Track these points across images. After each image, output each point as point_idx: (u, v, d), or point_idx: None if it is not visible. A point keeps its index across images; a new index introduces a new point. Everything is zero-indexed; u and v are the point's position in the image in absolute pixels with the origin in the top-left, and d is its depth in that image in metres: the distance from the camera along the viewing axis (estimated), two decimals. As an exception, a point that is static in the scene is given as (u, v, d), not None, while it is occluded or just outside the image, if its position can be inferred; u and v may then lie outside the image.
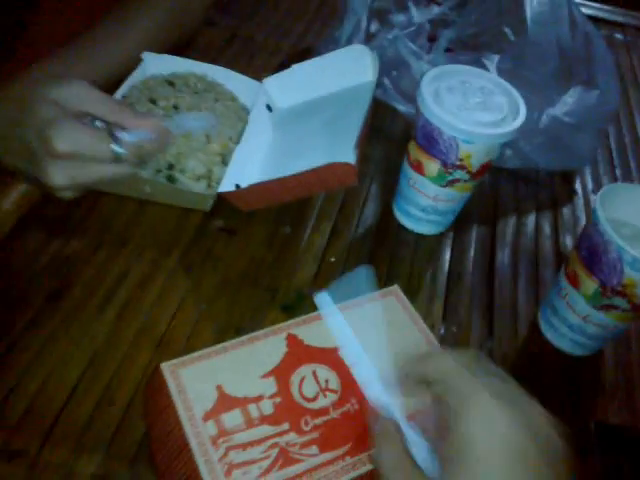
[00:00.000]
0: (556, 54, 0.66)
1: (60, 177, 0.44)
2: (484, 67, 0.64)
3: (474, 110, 0.52)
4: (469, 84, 0.54)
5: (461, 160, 0.52)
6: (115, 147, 0.44)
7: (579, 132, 0.68)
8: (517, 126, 0.51)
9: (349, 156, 0.50)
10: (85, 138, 0.43)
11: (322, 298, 0.41)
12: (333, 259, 0.56)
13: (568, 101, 0.66)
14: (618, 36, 1.02)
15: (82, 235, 0.53)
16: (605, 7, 1.07)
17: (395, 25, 0.78)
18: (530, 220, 0.65)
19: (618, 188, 0.50)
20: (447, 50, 0.73)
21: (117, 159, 0.44)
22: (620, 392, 0.52)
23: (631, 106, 0.87)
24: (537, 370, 0.52)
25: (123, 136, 0.44)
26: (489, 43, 0.73)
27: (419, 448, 0.33)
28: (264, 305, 0.51)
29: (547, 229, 0.65)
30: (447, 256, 0.59)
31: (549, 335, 0.53)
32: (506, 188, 0.69)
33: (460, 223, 0.62)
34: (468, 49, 0.73)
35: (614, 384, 0.52)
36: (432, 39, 0.78)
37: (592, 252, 0.47)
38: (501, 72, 0.64)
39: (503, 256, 0.61)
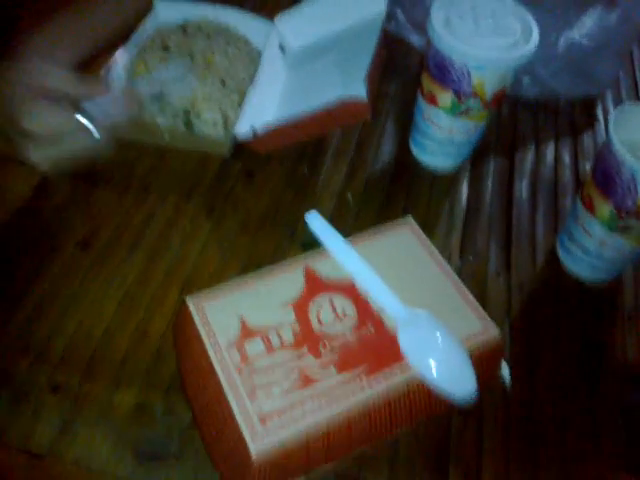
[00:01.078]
0: (574, -27, 0.64)
1: (37, 154, 0.45)
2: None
3: (485, 36, 0.51)
4: (480, 9, 0.53)
5: (474, 88, 0.52)
6: (80, 117, 0.44)
7: (599, 56, 0.66)
8: (530, 49, 0.50)
9: (361, 90, 0.50)
10: (50, 114, 0.43)
11: (312, 218, 0.44)
12: (350, 196, 0.57)
13: (587, 23, 0.64)
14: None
15: (107, 184, 0.55)
16: None
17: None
18: (549, 149, 0.65)
19: (634, 108, 0.49)
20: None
21: (85, 129, 0.44)
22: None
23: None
24: (555, 298, 0.52)
25: (87, 106, 0.44)
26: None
27: None
28: (284, 243, 0.53)
29: (567, 158, 0.64)
30: (464, 189, 0.59)
31: (567, 262, 0.54)
32: (525, 118, 0.68)
33: (478, 156, 0.62)
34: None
35: (633, 311, 0.53)
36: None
37: (606, 175, 0.47)
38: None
39: (521, 187, 0.60)
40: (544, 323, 0.50)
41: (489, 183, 0.60)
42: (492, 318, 0.49)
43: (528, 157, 0.64)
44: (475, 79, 0.51)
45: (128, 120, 0.47)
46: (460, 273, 0.52)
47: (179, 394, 0.43)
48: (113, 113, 0.45)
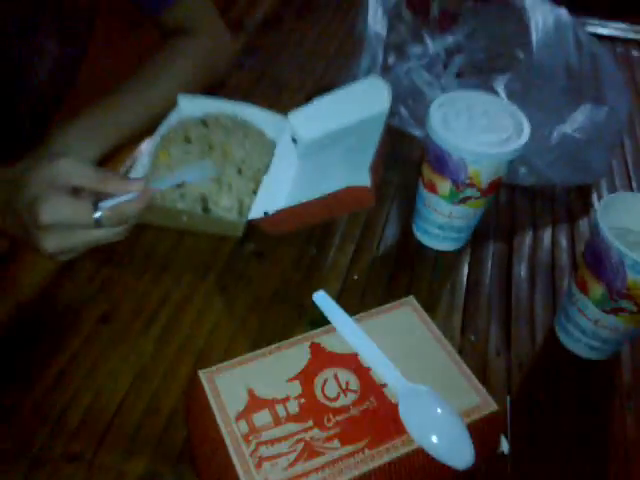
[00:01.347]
0: (563, 74, 0.70)
1: (49, 244, 0.49)
2: (493, 90, 0.68)
3: (480, 132, 0.56)
4: (475, 108, 0.58)
5: (470, 179, 0.56)
6: (96, 214, 0.48)
7: (591, 147, 0.71)
8: (521, 144, 0.55)
9: (365, 179, 0.54)
10: (66, 208, 0.47)
11: (320, 297, 0.48)
12: (356, 277, 0.60)
13: (578, 118, 0.70)
14: (634, 53, 1.04)
15: (127, 264, 0.59)
16: (621, 25, 1.09)
17: (412, 56, 0.84)
18: (546, 234, 0.68)
19: (623, 197, 0.53)
20: (457, 75, 0.78)
21: (98, 224, 0.49)
22: (639, 395, 0.54)
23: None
24: (554, 376, 0.54)
25: (103, 203, 0.48)
26: (498, 66, 0.76)
27: None
28: (293, 321, 0.56)
29: (563, 242, 0.67)
30: (465, 270, 0.62)
31: (565, 341, 0.56)
32: (522, 204, 0.72)
33: (478, 239, 0.65)
34: (479, 73, 0.77)
35: (632, 387, 0.54)
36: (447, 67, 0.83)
37: (597, 257, 0.50)
38: (510, 93, 0.67)
39: (520, 269, 0.63)
40: (544, 400, 0.52)
41: (489, 265, 0.63)
42: (493, 396, 0.50)
43: (526, 241, 0.67)
44: (471, 170, 0.55)
45: (137, 213, 0.51)
46: (461, 352, 0.55)
47: (189, 466, 0.44)
48: (124, 208, 0.49)
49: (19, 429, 0.46)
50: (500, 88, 0.67)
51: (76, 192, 0.49)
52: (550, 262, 0.65)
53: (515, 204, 0.72)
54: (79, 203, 0.48)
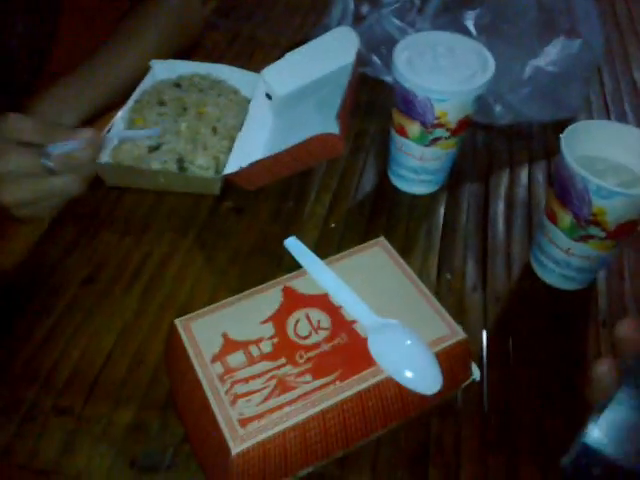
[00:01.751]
0: (534, 6, 0.69)
1: (4, 196, 0.51)
2: (464, 27, 0.67)
3: (444, 70, 0.56)
4: (439, 47, 0.58)
5: (438, 119, 0.56)
6: (45, 161, 0.50)
7: (566, 81, 0.70)
8: (486, 79, 0.55)
9: (333, 127, 0.55)
10: (14, 157, 0.50)
11: (291, 243, 0.49)
12: (333, 225, 0.61)
13: (551, 51, 0.69)
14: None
15: (109, 226, 0.60)
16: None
17: (385, 3, 0.83)
18: (524, 171, 0.68)
19: (587, 125, 0.53)
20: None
21: (50, 171, 0.51)
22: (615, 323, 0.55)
23: (627, 51, 0.88)
24: (530, 308, 0.55)
25: (52, 149, 0.51)
26: (472, 5, 0.75)
27: None
28: (272, 271, 0.56)
29: (540, 178, 0.68)
30: (441, 212, 0.63)
31: (540, 273, 0.56)
32: (500, 144, 0.72)
33: (454, 181, 0.66)
34: (452, 13, 0.76)
35: (607, 315, 0.55)
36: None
37: (563, 187, 0.50)
38: (480, 29, 0.67)
39: (496, 207, 0.64)
40: (520, 332, 0.53)
41: (465, 205, 0.64)
42: (471, 330, 0.52)
43: (503, 180, 0.67)
44: (438, 110, 0.55)
45: (92, 163, 0.54)
46: (438, 290, 0.56)
47: (173, 412, 0.46)
48: (74, 155, 0.52)
49: (9, 387, 0.47)
50: (470, 24, 0.67)
51: (28, 147, 0.51)
52: (527, 199, 0.65)
53: (492, 145, 0.72)
54: (27, 150, 0.50)
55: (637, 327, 0.33)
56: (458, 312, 0.54)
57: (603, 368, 0.33)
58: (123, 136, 0.63)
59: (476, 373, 0.46)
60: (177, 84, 0.72)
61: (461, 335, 0.44)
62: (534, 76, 0.68)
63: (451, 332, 0.44)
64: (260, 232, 0.61)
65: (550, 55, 0.69)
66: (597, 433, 0.28)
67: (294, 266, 0.56)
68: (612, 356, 0.34)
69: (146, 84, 0.72)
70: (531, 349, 0.52)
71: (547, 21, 0.71)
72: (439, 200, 0.64)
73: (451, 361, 0.43)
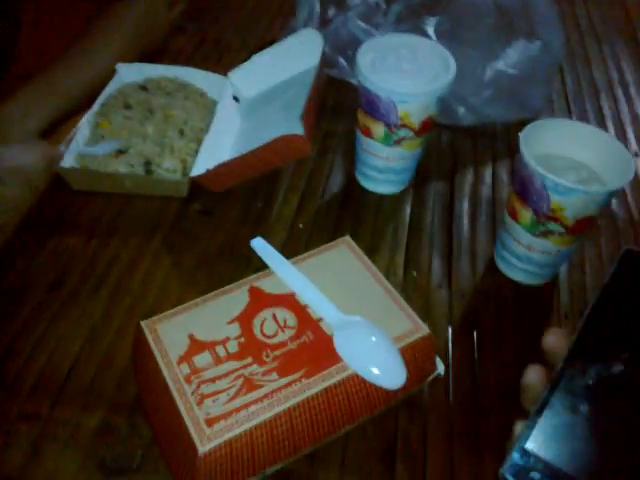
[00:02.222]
0: (492, 10, 0.70)
1: None
2: (425, 33, 0.69)
3: (407, 72, 0.57)
4: (401, 50, 0.59)
5: (402, 119, 0.57)
6: None
7: (526, 83, 0.72)
8: (446, 81, 0.56)
9: (297, 128, 0.55)
10: None
11: (257, 243, 0.49)
12: (301, 225, 0.62)
13: (511, 54, 0.71)
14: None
15: (75, 231, 0.60)
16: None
17: (351, 6, 0.84)
18: (487, 171, 0.70)
19: (547, 124, 0.55)
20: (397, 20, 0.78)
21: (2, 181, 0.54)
22: (576, 316, 0.56)
23: (587, 51, 0.90)
24: (494, 303, 0.56)
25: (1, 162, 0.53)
26: (435, 11, 0.77)
27: None
28: (240, 272, 0.56)
29: (504, 177, 0.69)
30: (407, 211, 0.64)
31: (503, 269, 0.58)
32: (464, 144, 0.73)
33: (419, 181, 0.67)
34: (417, 18, 0.77)
35: (569, 309, 0.56)
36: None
37: (522, 185, 0.51)
38: (440, 34, 0.68)
39: (461, 205, 0.65)
40: (485, 327, 0.54)
41: (430, 204, 0.65)
42: (436, 326, 0.53)
43: (468, 179, 0.68)
44: (401, 111, 0.56)
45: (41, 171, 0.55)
46: (405, 287, 0.57)
47: (142, 416, 0.46)
48: (24, 167, 0.54)
49: (-26, 395, 0.47)
50: (430, 30, 0.68)
51: None
52: (491, 197, 0.67)
53: (457, 145, 0.73)
54: None
55: (561, 335, 0.34)
56: (424, 309, 0.55)
57: (534, 376, 0.34)
58: (82, 152, 0.63)
59: (441, 368, 0.47)
60: (143, 87, 0.72)
61: (425, 330, 0.45)
62: (496, 78, 0.69)
63: (415, 328, 0.45)
64: (228, 234, 0.61)
65: (510, 58, 0.71)
66: (533, 438, 0.29)
67: (262, 267, 0.56)
68: (541, 364, 0.35)
69: (112, 87, 0.72)
70: (495, 343, 0.53)
71: (506, 25, 0.72)
72: (405, 199, 0.65)
73: (415, 356, 0.44)
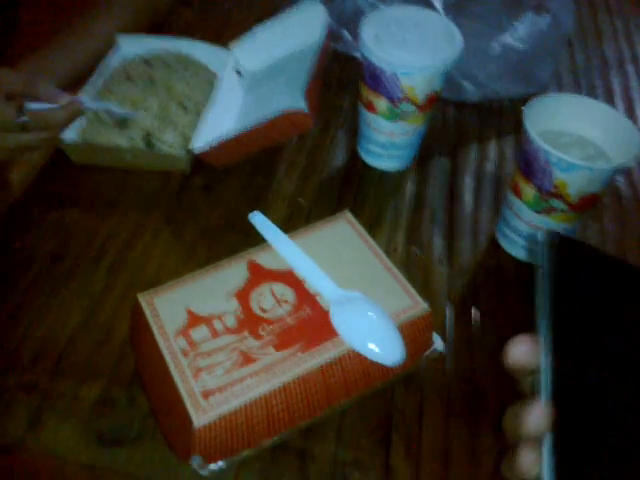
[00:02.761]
0: (502, -16, 0.69)
1: None
2: (432, 5, 0.67)
3: (411, 45, 0.56)
4: (406, 22, 0.57)
5: (405, 93, 0.56)
6: (20, 119, 0.53)
7: (534, 57, 0.71)
8: (452, 54, 0.55)
9: (300, 103, 0.54)
10: None
11: (255, 217, 0.49)
12: (302, 201, 0.61)
13: (519, 28, 0.69)
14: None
15: (76, 204, 0.60)
16: None
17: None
18: (492, 147, 0.69)
19: (553, 99, 0.53)
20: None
21: (24, 127, 0.54)
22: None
23: (598, 26, 0.88)
24: (494, 279, 0.56)
25: (28, 105, 0.53)
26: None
27: None
28: (240, 245, 0.56)
29: (509, 153, 0.68)
30: (410, 188, 0.63)
31: (505, 246, 0.57)
32: (470, 121, 0.72)
33: (423, 157, 0.66)
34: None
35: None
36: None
37: (526, 161, 0.51)
38: (448, 7, 0.67)
39: (465, 182, 0.64)
40: (484, 303, 0.54)
41: (433, 181, 0.64)
42: (436, 302, 0.53)
43: (472, 155, 0.68)
44: (405, 85, 0.55)
45: (62, 123, 0.56)
46: (406, 263, 0.56)
47: (139, 387, 0.46)
48: (50, 115, 0.54)
49: (-26, 365, 0.47)
50: (438, 3, 0.67)
51: (10, 98, 0.54)
52: (495, 173, 0.66)
53: (463, 121, 0.72)
54: (6, 103, 0.52)
55: (531, 345, 0.27)
56: (424, 285, 0.54)
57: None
58: (93, 106, 0.63)
59: (439, 344, 0.47)
60: (145, 60, 0.71)
61: (423, 307, 0.44)
62: (503, 53, 0.68)
63: (414, 304, 0.44)
64: (228, 208, 0.60)
65: (518, 32, 0.69)
66: None
67: (262, 242, 0.56)
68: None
69: (114, 61, 0.71)
70: (495, 320, 0.52)
71: (516, -3, 0.71)
72: (408, 176, 0.65)
73: (414, 332, 0.44)
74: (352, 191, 0.62)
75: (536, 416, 0.25)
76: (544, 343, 0.26)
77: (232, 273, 0.46)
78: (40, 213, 0.59)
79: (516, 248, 0.56)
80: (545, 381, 0.26)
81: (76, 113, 0.58)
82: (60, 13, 0.79)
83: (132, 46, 0.73)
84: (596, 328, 0.27)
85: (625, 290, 0.28)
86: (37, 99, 0.54)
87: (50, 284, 0.53)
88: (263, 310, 0.43)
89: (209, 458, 0.39)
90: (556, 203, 0.50)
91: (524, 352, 0.27)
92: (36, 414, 0.45)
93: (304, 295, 0.44)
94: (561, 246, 0.28)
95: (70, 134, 0.62)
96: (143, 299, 0.44)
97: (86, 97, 0.62)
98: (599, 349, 0.27)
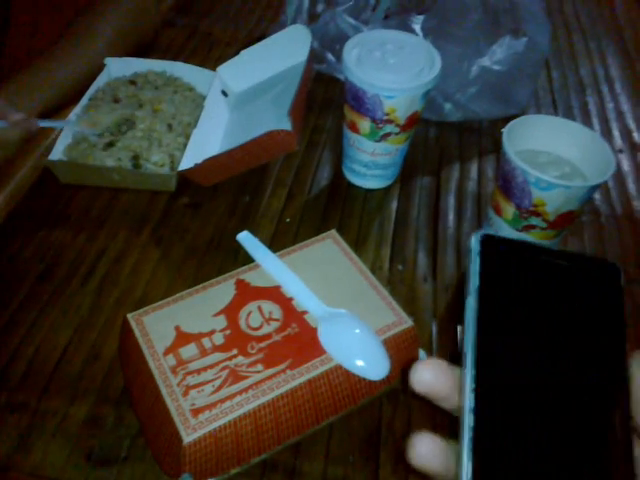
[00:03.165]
0: (479, 7, 0.71)
1: None
2: (411, 29, 0.69)
3: (393, 67, 0.57)
4: (388, 45, 0.59)
5: (387, 114, 0.58)
6: None
7: (512, 79, 0.73)
8: (432, 76, 0.56)
9: (285, 123, 0.56)
10: None
11: (243, 237, 0.50)
12: (288, 220, 0.62)
13: (497, 50, 0.71)
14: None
15: (64, 223, 0.60)
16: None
17: (339, 2, 0.84)
18: (473, 166, 0.71)
19: (530, 120, 0.55)
20: (385, 18, 0.79)
21: None
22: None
23: (574, 48, 0.91)
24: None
25: None
26: (424, 7, 0.78)
27: None
28: (228, 265, 0.57)
29: (490, 172, 0.70)
30: (394, 206, 0.65)
31: (487, 262, 0.59)
32: (451, 140, 0.74)
33: (406, 176, 0.68)
34: (405, 14, 0.78)
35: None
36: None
37: (506, 180, 0.52)
38: (427, 32, 0.69)
39: (447, 200, 0.66)
40: (468, 319, 0.55)
41: (417, 198, 0.66)
42: (420, 318, 0.54)
43: (453, 174, 0.69)
44: (387, 106, 0.57)
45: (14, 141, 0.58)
46: (391, 280, 0.57)
47: (128, 406, 0.47)
48: (4, 134, 0.56)
49: (-38, 386, 0.47)
50: (417, 27, 0.69)
51: None
52: (476, 192, 0.67)
53: (443, 140, 0.74)
54: None
55: (441, 367, 0.24)
56: (409, 301, 0.55)
57: (425, 450, 0.24)
58: (76, 132, 0.64)
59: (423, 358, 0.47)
60: (132, 81, 0.73)
61: (408, 322, 0.45)
62: (481, 75, 0.70)
63: (398, 320, 0.45)
64: (216, 227, 0.61)
65: (496, 54, 0.71)
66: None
67: (250, 261, 0.56)
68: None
69: (100, 82, 0.72)
70: (478, 336, 0.53)
71: (492, 22, 0.73)
72: (392, 194, 0.66)
73: (399, 347, 0.45)
74: (338, 209, 0.64)
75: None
76: (468, 354, 0.24)
77: (220, 291, 0.47)
78: (28, 232, 0.59)
79: (497, 264, 0.57)
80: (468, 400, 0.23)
81: (28, 131, 0.59)
82: (57, 14, 0.80)
83: (120, 68, 0.74)
84: (522, 328, 0.25)
85: (550, 283, 0.26)
86: None
87: (39, 303, 0.53)
88: (251, 328, 0.44)
89: (199, 476, 0.40)
90: (535, 221, 0.52)
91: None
92: (25, 434, 0.45)
93: (291, 312, 0.45)
94: (487, 246, 0.26)
95: (57, 154, 0.63)
96: (132, 318, 0.45)
97: (71, 117, 0.63)
98: (524, 354, 0.25)
